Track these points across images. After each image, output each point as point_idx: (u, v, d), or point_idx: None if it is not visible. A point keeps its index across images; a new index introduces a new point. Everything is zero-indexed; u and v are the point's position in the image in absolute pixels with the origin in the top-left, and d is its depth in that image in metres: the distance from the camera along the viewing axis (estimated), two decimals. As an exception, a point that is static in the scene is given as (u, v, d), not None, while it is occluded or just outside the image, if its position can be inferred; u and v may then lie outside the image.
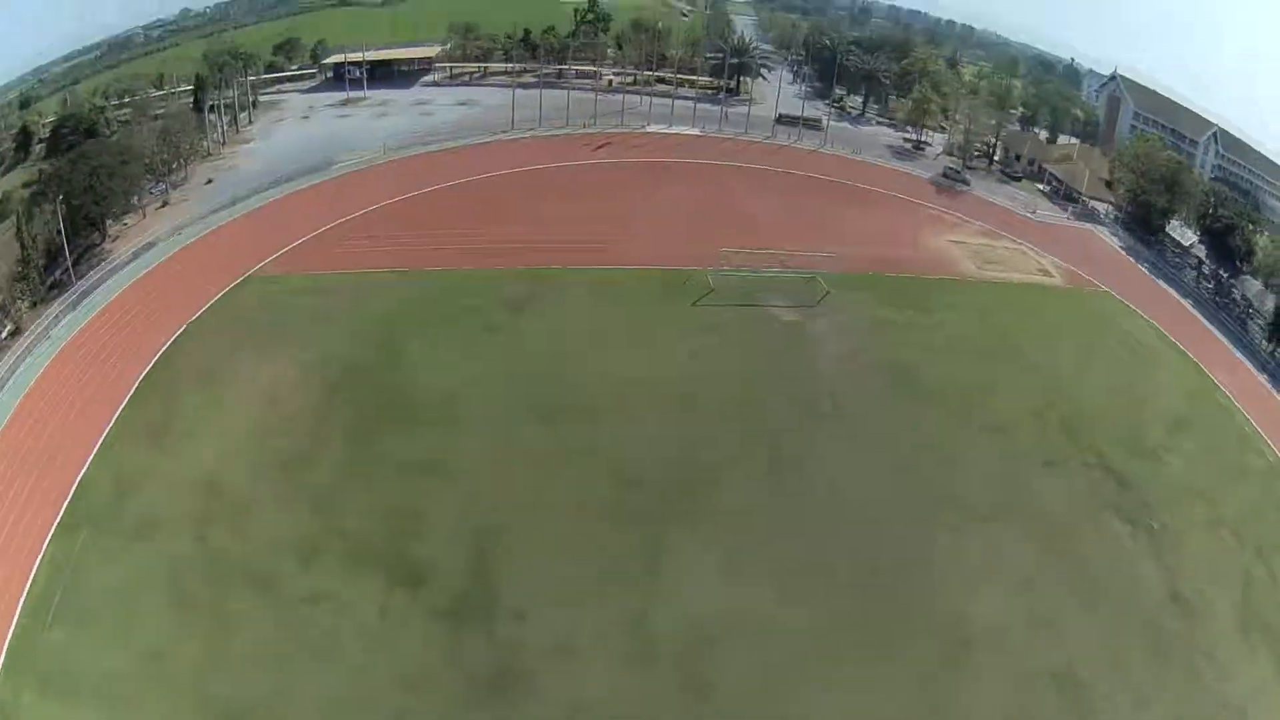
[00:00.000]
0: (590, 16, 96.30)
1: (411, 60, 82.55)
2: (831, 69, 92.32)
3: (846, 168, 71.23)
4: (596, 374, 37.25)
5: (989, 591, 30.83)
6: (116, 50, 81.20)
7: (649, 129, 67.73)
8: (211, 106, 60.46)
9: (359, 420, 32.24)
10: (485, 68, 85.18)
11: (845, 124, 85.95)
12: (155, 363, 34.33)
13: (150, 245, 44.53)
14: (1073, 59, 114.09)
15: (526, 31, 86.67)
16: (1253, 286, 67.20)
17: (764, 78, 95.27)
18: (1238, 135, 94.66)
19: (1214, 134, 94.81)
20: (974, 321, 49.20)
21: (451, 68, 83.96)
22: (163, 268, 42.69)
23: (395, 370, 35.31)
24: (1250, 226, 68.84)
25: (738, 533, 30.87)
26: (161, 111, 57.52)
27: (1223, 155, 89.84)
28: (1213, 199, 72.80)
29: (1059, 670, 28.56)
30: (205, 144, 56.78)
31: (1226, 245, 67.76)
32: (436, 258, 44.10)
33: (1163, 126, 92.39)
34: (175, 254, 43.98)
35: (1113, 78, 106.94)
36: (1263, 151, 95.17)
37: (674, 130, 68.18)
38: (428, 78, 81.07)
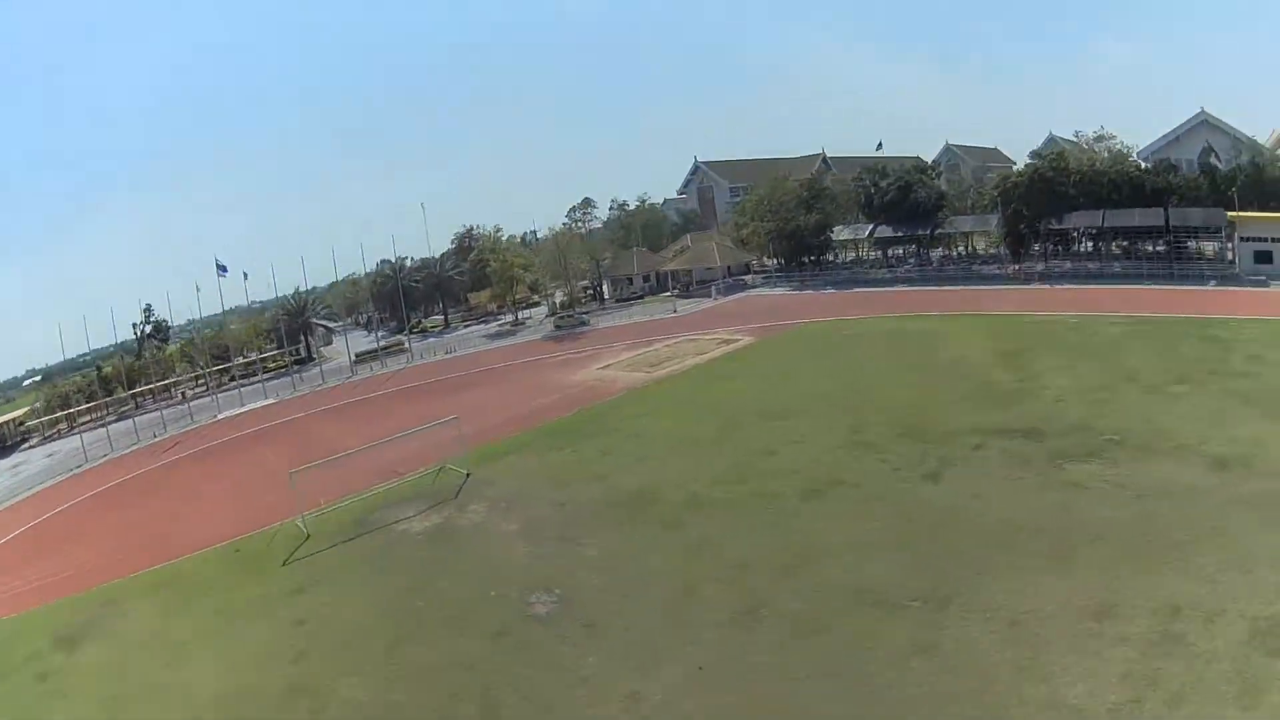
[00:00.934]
0: (148, 330, 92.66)
1: (9, 428, 77.29)
2: (399, 298, 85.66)
3: (444, 366, 63.35)
4: (178, 710, 20.78)
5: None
6: None
7: (220, 417, 62.79)
8: None
9: None
10: (71, 416, 79.10)
11: (430, 341, 79.63)
12: None
13: None
14: (645, 194, 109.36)
15: (99, 368, 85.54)
16: (964, 222, 65.12)
17: (329, 329, 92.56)
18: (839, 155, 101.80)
19: (822, 159, 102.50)
20: (686, 410, 37.25)
21: (43, 425, 76.49)
22: None
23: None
24: (925, 175, 65.54)
25: None
26: None
27: (836, 175, 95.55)
28: (867, 175, 68.25)
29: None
30: None
31: (910, 205, 63.15)
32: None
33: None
34: None
35: (695, 169, 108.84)
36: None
37: (246, 408, 62.90)
38: (27, 444, 74.00)
